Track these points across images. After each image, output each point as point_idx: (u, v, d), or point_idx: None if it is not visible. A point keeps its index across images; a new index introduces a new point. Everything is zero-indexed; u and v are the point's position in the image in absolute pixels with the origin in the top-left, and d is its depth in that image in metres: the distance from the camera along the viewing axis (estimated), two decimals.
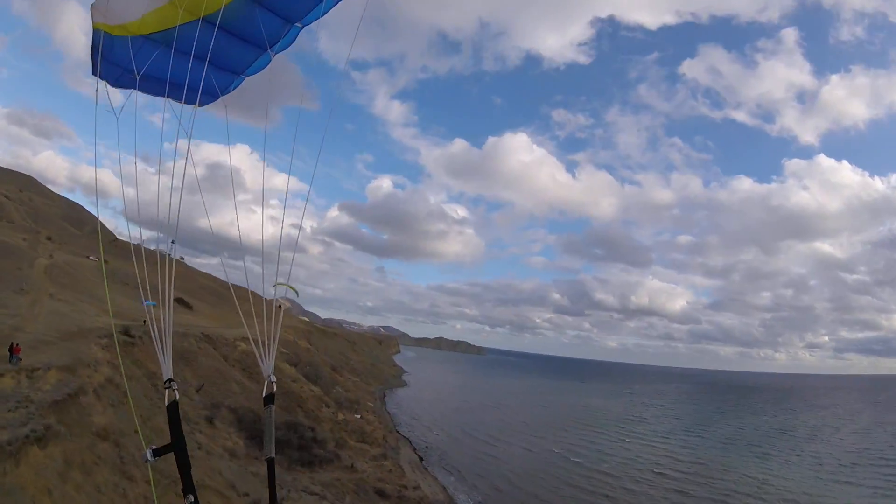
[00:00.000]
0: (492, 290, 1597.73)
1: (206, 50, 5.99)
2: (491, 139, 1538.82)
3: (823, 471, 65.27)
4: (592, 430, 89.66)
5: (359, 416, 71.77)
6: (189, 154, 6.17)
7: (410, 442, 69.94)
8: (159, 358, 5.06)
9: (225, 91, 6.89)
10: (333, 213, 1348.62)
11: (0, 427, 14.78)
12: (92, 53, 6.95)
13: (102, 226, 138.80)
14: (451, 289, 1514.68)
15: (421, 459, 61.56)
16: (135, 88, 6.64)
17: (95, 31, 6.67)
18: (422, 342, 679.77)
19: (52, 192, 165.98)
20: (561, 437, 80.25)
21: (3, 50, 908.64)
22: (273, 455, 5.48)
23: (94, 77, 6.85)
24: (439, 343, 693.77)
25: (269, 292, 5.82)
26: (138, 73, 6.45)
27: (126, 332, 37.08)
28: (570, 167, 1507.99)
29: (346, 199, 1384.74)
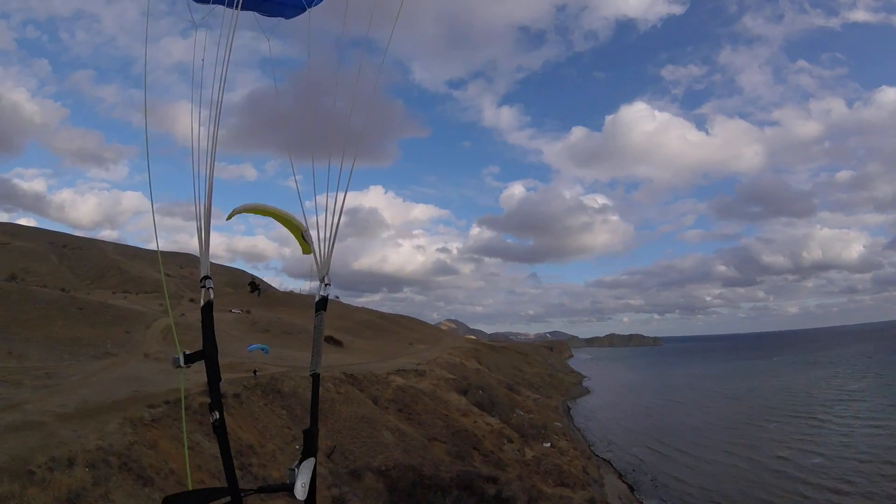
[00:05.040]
0: (652, 274, 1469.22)
1: None
2: (608, 118, 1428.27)
3: None
4: (800, 420, 72.16)
5: (548, 445, 58.53)
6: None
7: (613, 466, 57.12)
8: (200, 255, 4.26)
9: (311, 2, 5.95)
10: (475, 230, 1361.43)
11: None
12: None
13: (260, 280, 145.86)
14: (609, 282, 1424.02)
15: (632, 489, 48.84)
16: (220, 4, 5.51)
17: None
18: (592, 342, 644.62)
19: (214, 264, 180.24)
20: (766, 437, 64.99)
21: (139, 158, 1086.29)
22: (318, 371, 4.08)
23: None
24: (611, 340, 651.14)
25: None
26: None
27: None
28: (700, 123, 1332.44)
29: (483, 213, 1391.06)
